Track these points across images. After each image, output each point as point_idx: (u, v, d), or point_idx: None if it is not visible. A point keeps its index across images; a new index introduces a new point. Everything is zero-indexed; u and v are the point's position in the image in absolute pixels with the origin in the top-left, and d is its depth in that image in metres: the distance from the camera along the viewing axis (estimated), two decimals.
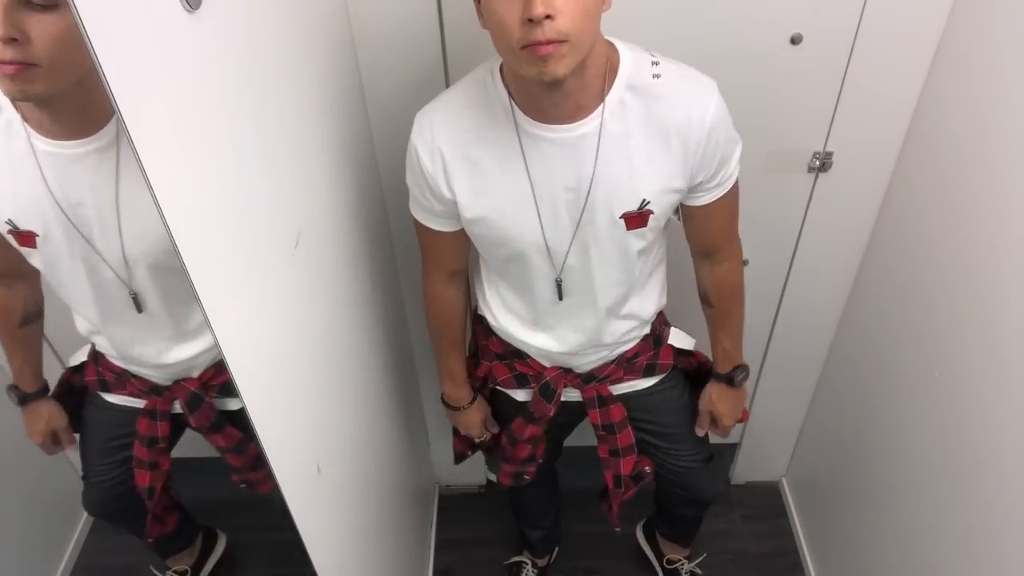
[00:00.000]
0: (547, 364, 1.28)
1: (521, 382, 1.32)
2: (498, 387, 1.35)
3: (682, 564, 1.85)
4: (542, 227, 1.04)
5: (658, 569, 1.90)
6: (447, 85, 1.28)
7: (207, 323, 0.68)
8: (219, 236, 0.71)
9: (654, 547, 1.91)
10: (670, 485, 1.50)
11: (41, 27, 0.61)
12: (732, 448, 2.08)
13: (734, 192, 1.11)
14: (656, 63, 0.98)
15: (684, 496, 1.53)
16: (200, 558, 1.54)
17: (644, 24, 1.18)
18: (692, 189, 1.05)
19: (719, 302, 1.24)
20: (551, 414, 1.32)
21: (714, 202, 1.08)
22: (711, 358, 1.33)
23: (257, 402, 0.78)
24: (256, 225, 0.81)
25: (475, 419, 1.40)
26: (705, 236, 1.16)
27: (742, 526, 2.04)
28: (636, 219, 1.04)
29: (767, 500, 2.09)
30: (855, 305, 1.62)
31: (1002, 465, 1.11)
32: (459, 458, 1.56)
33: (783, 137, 1.37)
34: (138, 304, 0.89)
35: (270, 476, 1.16)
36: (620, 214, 1.03)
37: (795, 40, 1.23)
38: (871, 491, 1.56)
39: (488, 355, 1.32)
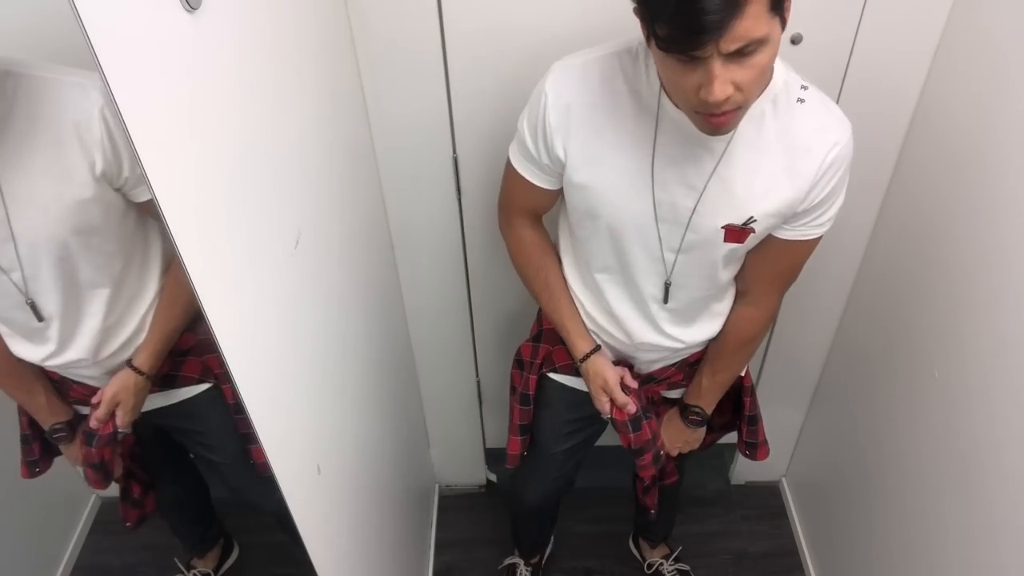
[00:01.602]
0: (612, 358, 1.25)
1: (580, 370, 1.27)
2: (553, 372, 1.31)
3: (662, 564, 1.90)
4: (656, 214, 1.01)
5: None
6: (447, 85, 1.28)
7: (207, 323, 0.67)
8: (219, 236, 0.71)
9: (641, 554, 1.97)
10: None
11: None
12: (732, 448, 2.08)
13: (810, 246, 1.06)
14: (805, 88, 0.96)
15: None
16: (219, 562, 1.57)
17: None
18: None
19: (724, 341, 1.19)
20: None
21: (787, 241, 1.04)
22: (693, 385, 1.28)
23: (257, 402, 0.77)
24: (256, 225, 0.81)
25: (603, 366, 1.22)
26: (753, 272, 1.12)
27: (742, 526, 2.04)
28: (736, 233, 1.00)
29: (767, 500, 2.09)
30: (855, 305, 1.62)
31: (1002, 465, 1.10)
32: (512, 460, 1.42)
33: None
34: (37, 313, 0.83)
35: (135, 506, 1.13)
36: (723, 223, 0.99)
37: (795, 40, 1.23)
38: (871, 491, 1.56)
39: (552, 339, 1.29)
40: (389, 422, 1.48)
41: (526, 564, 1.90)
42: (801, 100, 0.94)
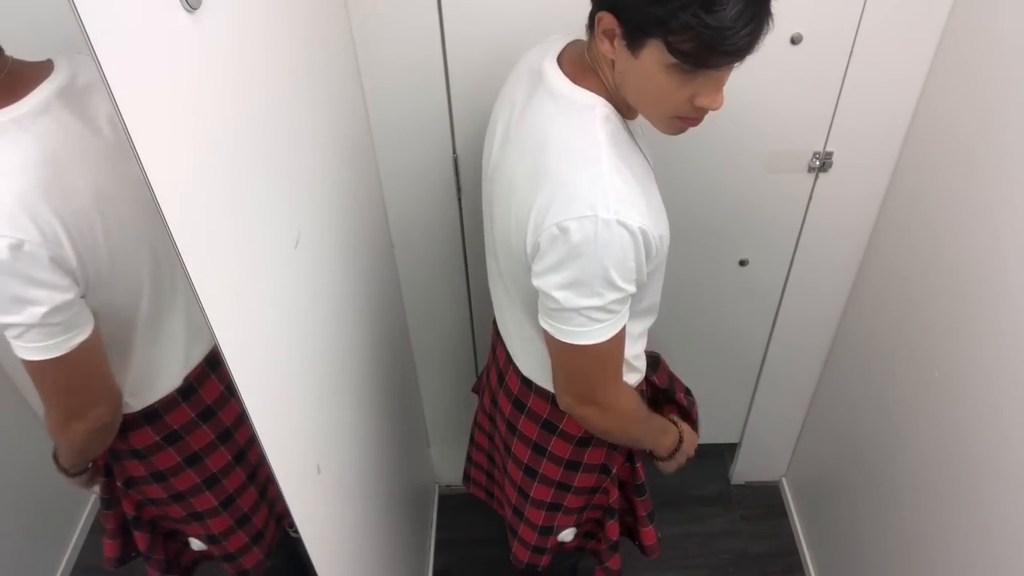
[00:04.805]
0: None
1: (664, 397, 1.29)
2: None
3: None
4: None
5: None
6: (447, 84, 1.29)
7: (207, 323, 0.67)
8: (219, 236, 0.71)
9: None
10: None
11: None
12: (732, 448, 2.09)
13: None
14: None
15: None
16: None
17: None
18: None
19: None
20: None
21: None
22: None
23: (257, 402, 0.77)
24: (256, 225, 0.81)
25: (693, 436, 1.25)
26: None
27: (742, 526, 2.04)
28: None
29: (767, 500, 2.09)
30: (855, 305, 1.62)
31: (1002, 464, 1.11)
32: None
33: (783, 137, 1.37)
34: None
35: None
36: None
37: (795, 40, 1.23)
38: (871, 491, 1.56)
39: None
40: (389, 422, 1.48)
41: None
42: None
